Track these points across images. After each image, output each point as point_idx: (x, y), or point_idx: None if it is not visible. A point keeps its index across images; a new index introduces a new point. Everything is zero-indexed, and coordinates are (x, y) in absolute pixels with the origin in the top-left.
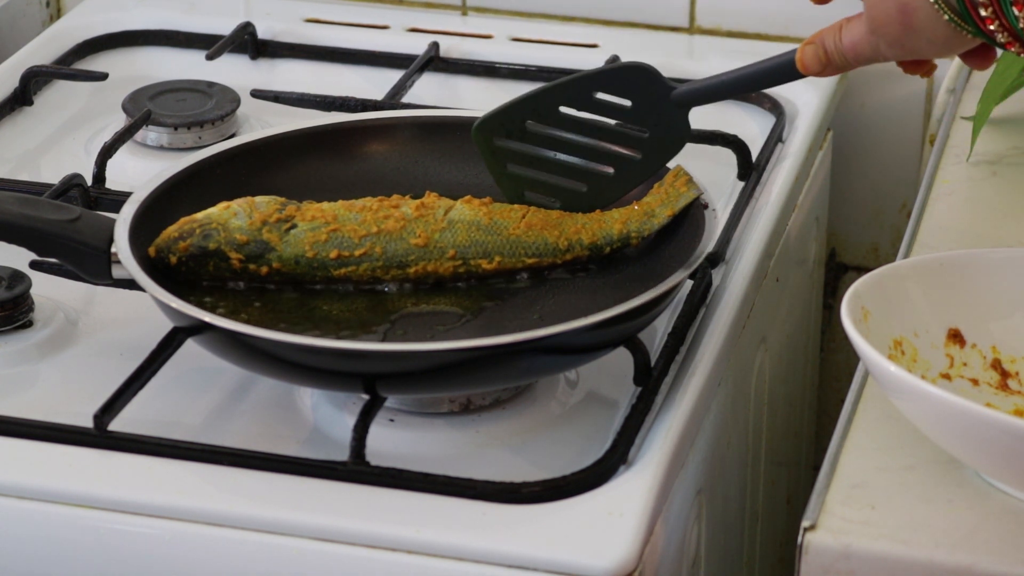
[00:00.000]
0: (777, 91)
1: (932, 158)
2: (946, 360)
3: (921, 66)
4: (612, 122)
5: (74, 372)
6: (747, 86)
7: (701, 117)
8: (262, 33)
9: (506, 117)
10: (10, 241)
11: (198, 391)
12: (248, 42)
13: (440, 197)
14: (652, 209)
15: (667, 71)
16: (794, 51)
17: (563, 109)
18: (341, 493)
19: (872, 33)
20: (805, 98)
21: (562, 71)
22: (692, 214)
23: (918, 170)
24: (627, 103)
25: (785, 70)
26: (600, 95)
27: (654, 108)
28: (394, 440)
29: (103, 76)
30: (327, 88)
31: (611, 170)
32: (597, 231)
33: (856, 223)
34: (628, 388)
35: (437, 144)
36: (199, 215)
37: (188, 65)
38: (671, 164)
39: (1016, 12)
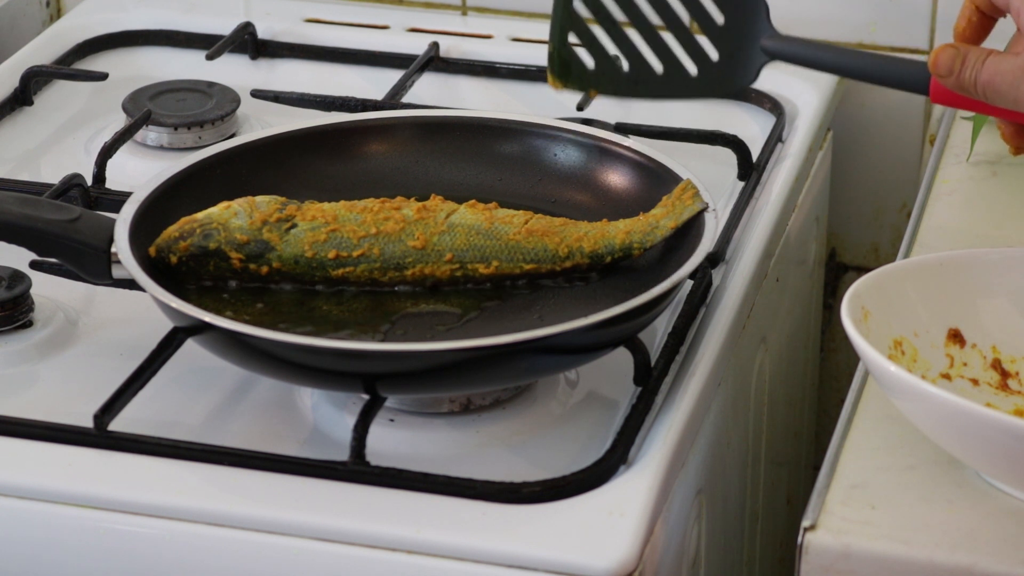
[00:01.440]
0: (777, 91)
1: (932, 158)
2: (946, 360)
3: (1021, 134)
4: (692, 24)
5: (74, 372)
6: (847, 70)
7: (701, 117)
8: (262, 33)
9: None
10: (10, 241)
11: (198, 391)
12: (248, 42)
13: (444, 200)
14: (657, 221)
15: None
16: (919, 61)
17: None
18: (341, 493)
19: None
20: (805, 98)
21: None
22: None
23: (918, 170)
24: (719, 18)
25: (903, 68)
26: None
27: (739, 39)
28: (394, 440)
29: (103, 76)
30: (327, 88)
31: (661, 67)
32: (599, 240)
33: (856, 223)
34: (628, 388)
35: (437, 144)
36: (199, 215)
37: (188, 65)
38: (681, 173)
39: None
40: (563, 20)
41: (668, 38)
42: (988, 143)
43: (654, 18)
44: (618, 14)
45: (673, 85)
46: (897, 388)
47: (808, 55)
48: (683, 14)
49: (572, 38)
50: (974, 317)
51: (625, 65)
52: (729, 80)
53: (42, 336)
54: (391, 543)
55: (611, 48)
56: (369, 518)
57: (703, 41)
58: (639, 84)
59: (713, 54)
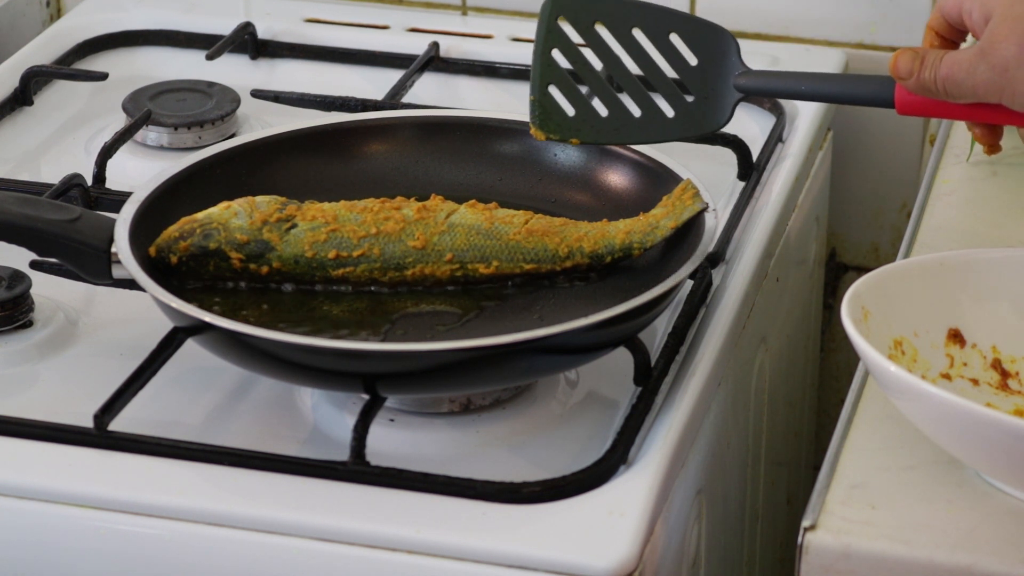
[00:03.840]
0: None
1: (932, 158)
2: (946, 360)
3: (993, 134)
4: (668, 70)
5: (74, 372)
6: (817, 95)
7: None
8: (262, 33)
9: (582, 5)
10: (10, 241)
11: (198, 391)
12: (248, 42)
13: (444, 200)
14: (657, 221)
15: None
16: (884, 76)
17: (635, 31)
18: (341, 493)
19: (980, 54)
20: None
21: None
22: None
23: (918, 170)
24: (692, 59)
25: (868, 85)
26: (675, 38)
27: (713, 79)
28: (394, 440)
29: (103, 76)
30: (327, 88)
31: (639, 112)
32: (599, 240)
33: (856, 223)
34: (628, 388)
35: (437, 144)
36: (200, 215)
37: (188, 65)
38: (682, 173)
39: None
40: (543, 70)
41: (644, 83)
42: None
43: (630, 64)
44: (595, 62)
45: (652, 129)
46: (897, 388)
47: (779, 87)
48: (658, 58)
49: (552, 88)
50: (974, 317)
51: (604, 111)
52: (705, 120)
53: (42, 336)
54: (391, 543)
55: (590, 97)
56: (369, 518)
57: (678, 84)
58: (619, 130)
59: (688, 96)
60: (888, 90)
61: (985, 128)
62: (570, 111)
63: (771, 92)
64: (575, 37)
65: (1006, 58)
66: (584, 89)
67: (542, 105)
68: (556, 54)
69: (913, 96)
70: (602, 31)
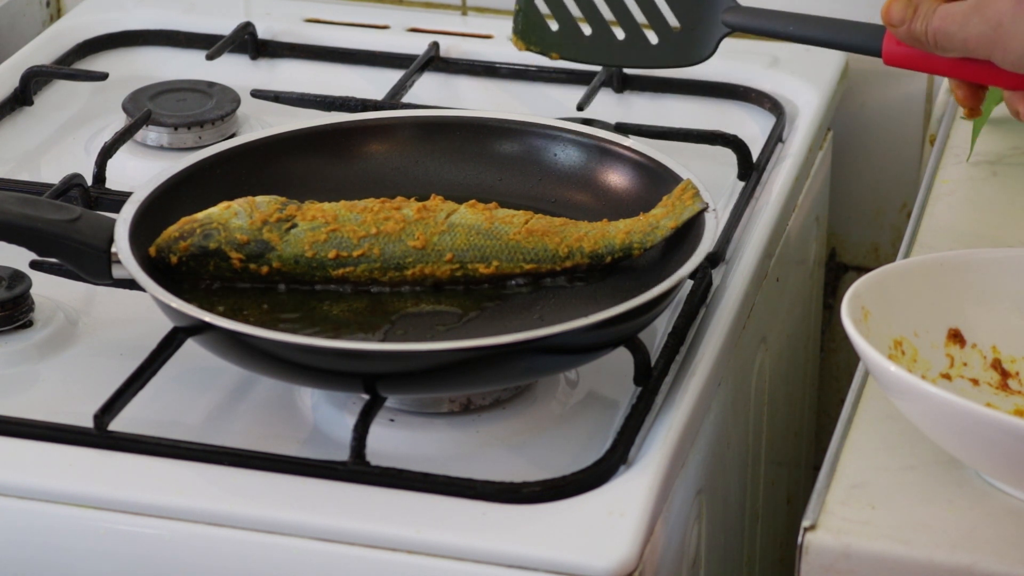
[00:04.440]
0: (777, 91)
1: (932, 158)
2: (946, 360)
3: (975, 96)
4: None
5: (74, 372)
6: (808, 36)
7: (701, 117)
8: (262, 33)
9: None
10: (10, 241)
11: (198, 391)
12: (248, 42)
13: (444, 200)
14: (657, 221)
15: (667, 71)
16: (875, 24)
17: None
18: (341, 493)
19: (975, 7)
20: (805, 98)
21: (562, 71)
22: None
23: (918, 170)
24: None
25: (858, 32)
26: None
27: (701, 10)
28: (394, 440)
29: (103, 76)
30: (327, 88)
31: (623, 34)
32: (599, 240)
33: (856, 223)
34: (628, 388)
35: (437, 144)
36: (200, 215)
37: (188, 65)
38: (682, 173)
39: None
40: None
41: (630, 5)
42: (988, 143)
43: None
44: None
45: (633, 53)
46: (897, 388)
47: (767, 26)
48: None
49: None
50: (974, 317)
51: (587, 30)
52: (689, 51)
53: (42, 336)
54: (391, 543)
55: (574, 11)
56: (369, 518)
57: (664, 10)
58: (600, 50)
59: (674, 23)
60: (877, 39)
61: (968, 89)
62: (553, 26)
63: (758, 29)
64: None
65: (1000, 12)
66: (570, 4)
67: (526, 15)
68: None
69: (901, 47)
70: None
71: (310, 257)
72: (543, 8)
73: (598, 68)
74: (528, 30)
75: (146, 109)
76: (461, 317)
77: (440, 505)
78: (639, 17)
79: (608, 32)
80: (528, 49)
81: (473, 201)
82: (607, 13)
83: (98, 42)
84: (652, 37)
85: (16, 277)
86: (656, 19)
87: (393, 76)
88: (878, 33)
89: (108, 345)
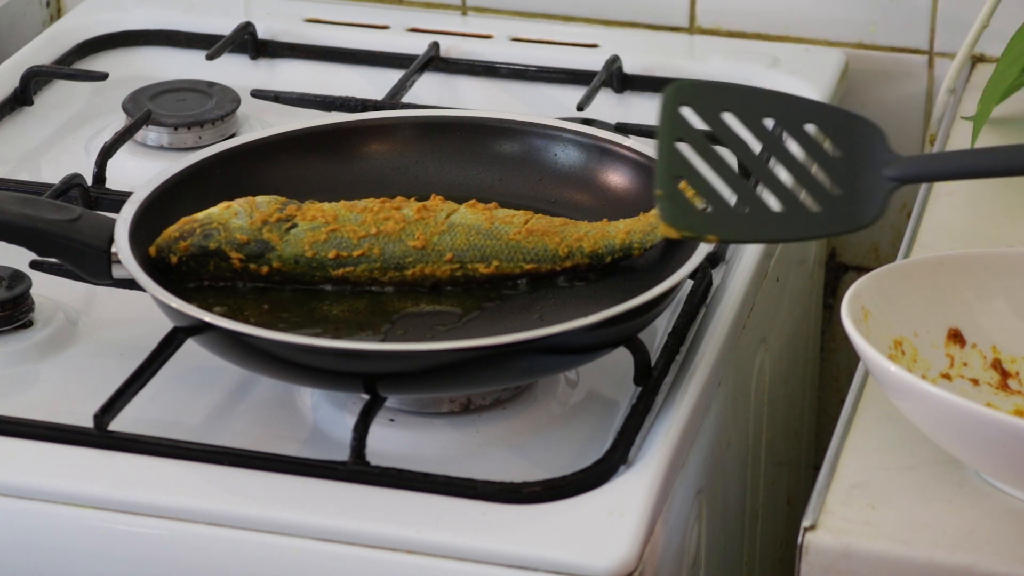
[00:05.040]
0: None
1: None
2: (946, 360)
3: None
4: (807, 160)
5: (74, 372)
6: (979, 171)
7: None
8: (262, 33)
9: (707, 93)
10: (10, 241)
11: (198, 391)
12: (248, 42)
13: (444, 200)
14: (657, 221)
15: (667, 71)
16: None
17: (766, 121)
18: (341, 493)
19: None
20: None
21: (562, 71)
22: None
23: None
24: (835, 151)
25: None
26: (810, 128)
27: (860, 170)
28: (394, 440)
29: (103, 76)
30: (327, 88)
31: (780, 206)
32: (599, 239)
33: None
34: (628, 388)
35: (437, 144)
36: (200, 215)
37: (188, 65)
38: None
39: None
40: (669, 164)
41: (782, 175)
42: (988, 143)
43: (765, 156)
44: (727, 154)
45: (796, 224)
46: (897, 388)
47: (933, 171)
48: (796, 150)
49: (681, 183)
50: (974, 317)
51: (741, 206)
52: (855, 213)
53: (42, 336)
54: (391, 543)
55: (723, 190)
56: (369, 518)
57: (822, 177)
58: (759, 226)
59: (834, 189)
60: None
61: None
62: (702, 207)
63: (924, 177)
64: (700, 126)
65: None
66: (716, 183)
67: (672, 200)
68: (682, 145)
69: None
70: (730, 120)
71: (310, 257)
72: (686, 190)
73: (598, 68)
74: (677, 215)
75: (146, 109)
76: (461, 317)
77: (440, 505)
78: (793, 187)
79: (763, 206)
80: (683, 235)
81: (473, 201)
82: (759, 186)
83: (98, 42)
84: (812, 205)
85: (16, 277)
86: (812, 186)
87: (393, 76)
88: None
89: (108, 345)
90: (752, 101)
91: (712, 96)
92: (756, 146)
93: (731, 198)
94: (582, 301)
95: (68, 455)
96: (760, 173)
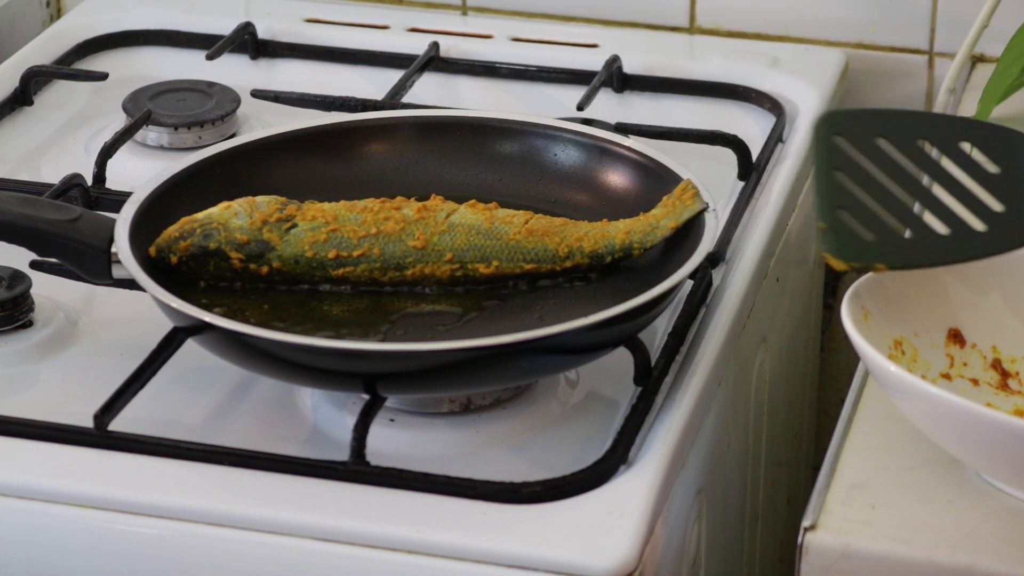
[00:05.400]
0: (777, 91)
1: None
2: (946, 360)
3: None
4: (967, 178)
5: (74, 372)
6: None
7: (701, 117)
8: (262, 33)
9: (859, 121)
10: (10, 241)
11: (198, 391)
12: (248, 42)
13: (444, 200)
14: (657, 221)
15: (667, 71)
16: None
17: (920, 143)
18: (341, 493)
19: None
20: (805, 98)
21: (562, 71)
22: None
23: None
24: (993, 168)
25: None
26: (965, 145)
27: (1021, 184)
28: (394, 440)
29: (103, 76)
30: (327, 88)
31: (946, 228)
32: (599, 240)
33: None
34: (628, 388)
35: (437, 144)
36: (200, 215)
37: (188, 65)
38: (682, 173)
39: None
40: (829, 195)
41: (945, 197)
42: None
43: (923, 179)
44: (884, 179)
45: (963, 245)
46: (897, 388)
47: None
48: (953, 169)
49: (843, 213)
50: (974, 317)
51: (907, 232)
52: (1022, 228)
53: (42, 336)
54: (391, 543)
55: (886, 217)
56: (369, 518)
57: (982, 193)
58: (926, 251)
59: (996, 206)
60: None
61: None
62: (867, 235)
63: None
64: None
65: None
66: (878, 210)
67: (836, 232)
68: (840, 175)
69: None
70: (885, 146)
71: (310, 257)
72: (850, 221)
73: (598, 68)
74: (843, 247)
75: (146, 109)
76: (461, 317)
77: (440, 505)
78: (956, 207)
79: (927, 229)
80: (851, 267)
81: (473, 201)
82: (920, 209)
83: (98, 42)
84: (977, 224)
85: (16, 277)
86: (976, 205)
87: (393, 76)
88: None
89: (108, 345)
90: (904, 125)
91: (864, 123)
92: (913, 169)
93: (895, 224)
94: (582, 301)
95: (68, 455)
96: (921, 197)
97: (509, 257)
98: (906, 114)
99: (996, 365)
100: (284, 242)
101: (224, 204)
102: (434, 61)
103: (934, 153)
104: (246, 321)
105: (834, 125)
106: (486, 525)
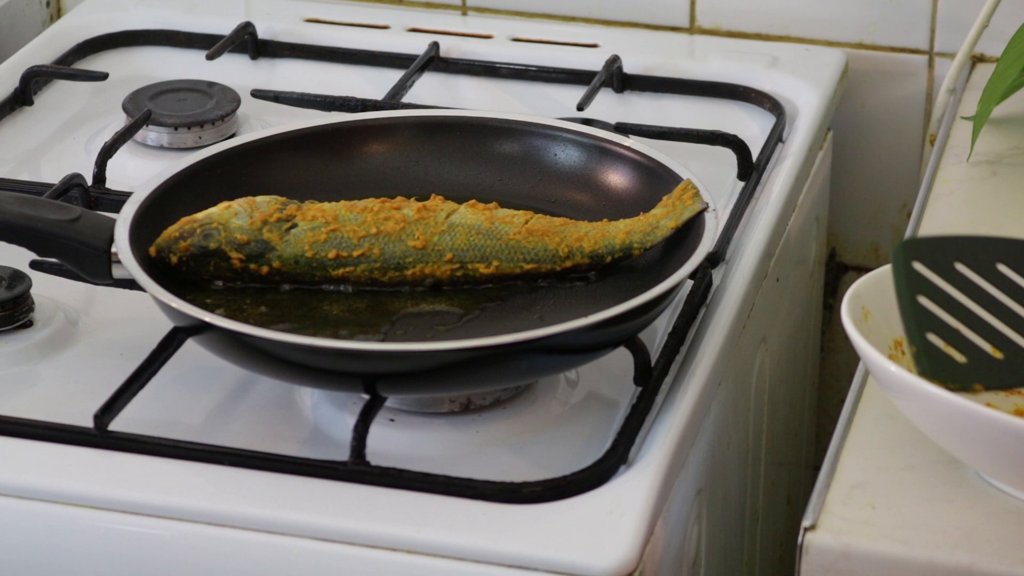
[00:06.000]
0: (777, 91)
1: (932, 158)
2: None
3: None
4: None
5: (74, 372)
6: None
7: (701, 117)
8: (262, 33)
9: (936, 246)
10: (10, 241)
11: (198, 391)
12: (248, 42)
13: (444, 200)
14: (657, 221)
15: (667, 71)
16: None
17: (1001, 267)
18: (341, 493)
19: None
20: (805, 98)
21: (562, 71)
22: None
23: (918, 170)
24: None
25: None
26: None
27: None
28: (394, 440)
29: (103, 76)
30: (327, 88)
31: None
32: (599, 240)
33: (856, 223)
34: (628, 388)
35: (437, 144)
36: (200, 215)
37: (188, 65)
38: (682, 173)
39: None
40: (917, 320)
41: None
42: (988, 143)
43: (1006, 300)
44: (967, 302)
45: None
46: (897, 388)
47: None
48: None
49: (932, 336)
50: None
51: (996, 352)
52: None
53: (42, 336)
54: (391, 543)
55: (975, 339)
56: (369, 518)
57: None
58: (1019, 369)
59: None
60: None
61: None
62: (959, 357)
63: None
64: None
65: None
66: (967, 332)
67: (928, 355)
68: (923, 299)
69: None
70: (963, 270)
71: (310, 257)
72: (940, 343)
73: (598, 68)
74: (939, 370)
75: (146, 109)
76: (461, 317)
77: (440, 505)
78: None
79: (1018, 349)
80: (949, 387)
81: (473, 201)
82: (1007, 330)
83: (98, 42)
84: None
85: (16, 277)
86: None
87: (393, 76)
88: None
89: (108, 345)
90: (982, 249)
91: (942, 249)
92: (995, 291)
93: (984, 344)
94: (582, 301)
95: (68, 455)
96: (1006, 317)
97: (509, 257)
98: (982, 239)
99: None
100: (284, 242)
101: (224, 204)
102: (434, 61)
103: (1011, 275)
104: (246, 321)
105: (912, 252)
106: (486, 525)
